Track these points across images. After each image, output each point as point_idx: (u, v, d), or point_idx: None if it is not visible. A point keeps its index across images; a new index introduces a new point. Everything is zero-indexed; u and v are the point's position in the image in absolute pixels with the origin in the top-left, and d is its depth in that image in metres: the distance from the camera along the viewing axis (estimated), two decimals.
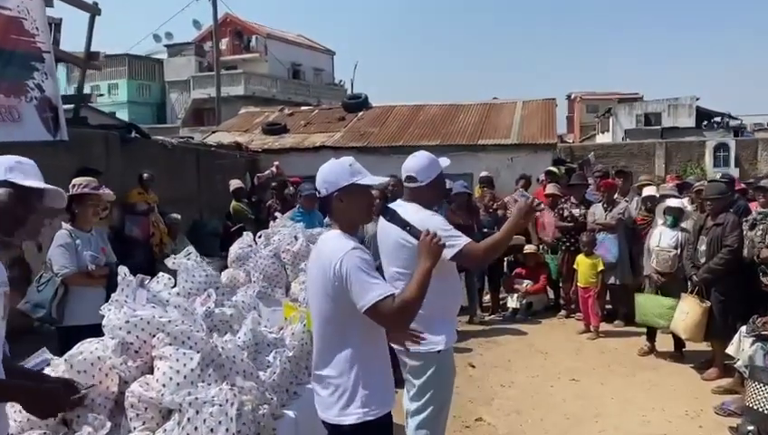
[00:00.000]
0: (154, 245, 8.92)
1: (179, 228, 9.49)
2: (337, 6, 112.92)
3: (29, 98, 6.78)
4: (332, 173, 2.56)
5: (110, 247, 5.02)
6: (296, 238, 5.40)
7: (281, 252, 5.21)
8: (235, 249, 5.45)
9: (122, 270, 3.51)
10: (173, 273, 3.96)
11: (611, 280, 7.55)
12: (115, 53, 32.38)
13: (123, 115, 28.66)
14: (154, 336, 3.11)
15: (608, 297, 8.01)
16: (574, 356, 6.60)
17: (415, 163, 3.43)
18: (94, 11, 8.45)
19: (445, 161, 3.50)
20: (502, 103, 15.77)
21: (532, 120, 14.36)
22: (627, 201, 7.86)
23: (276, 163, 11.48)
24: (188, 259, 3.91)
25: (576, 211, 7.98)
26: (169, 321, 3.09)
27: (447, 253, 2.99)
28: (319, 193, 2.61)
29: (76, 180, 4.75)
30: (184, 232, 10.04)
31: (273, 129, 15.54)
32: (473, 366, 6.20)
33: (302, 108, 18.88)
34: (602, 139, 36.58)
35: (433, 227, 2.72)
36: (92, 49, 8.95)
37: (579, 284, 7.46)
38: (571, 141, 34.91)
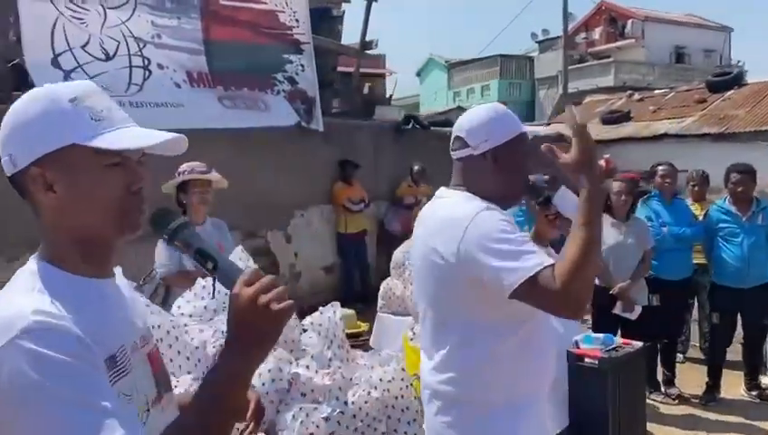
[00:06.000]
0: None
1: None
2: None
3: (276, 91, 6.80)
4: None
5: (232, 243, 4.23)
6: None
7: None
8: (397, 254, 4.38)
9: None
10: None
11: None
12: (488, 55, 33.50)
13: None
14: None
15: None
16: None
17: (468, 117, 1.88)
18: None
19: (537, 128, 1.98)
20: None
21: None
22: None
23: (606, 157, 9.73)
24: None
25: None
26: None
27: (507, 283, 1.56)
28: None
29: (183, 166, 3.79)
30: None
31: (613, 117, 13.68)
32: None
33: (655, 92, 16.19)
34: None
35: (485, 232, 1.62)
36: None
37: None
38: None
